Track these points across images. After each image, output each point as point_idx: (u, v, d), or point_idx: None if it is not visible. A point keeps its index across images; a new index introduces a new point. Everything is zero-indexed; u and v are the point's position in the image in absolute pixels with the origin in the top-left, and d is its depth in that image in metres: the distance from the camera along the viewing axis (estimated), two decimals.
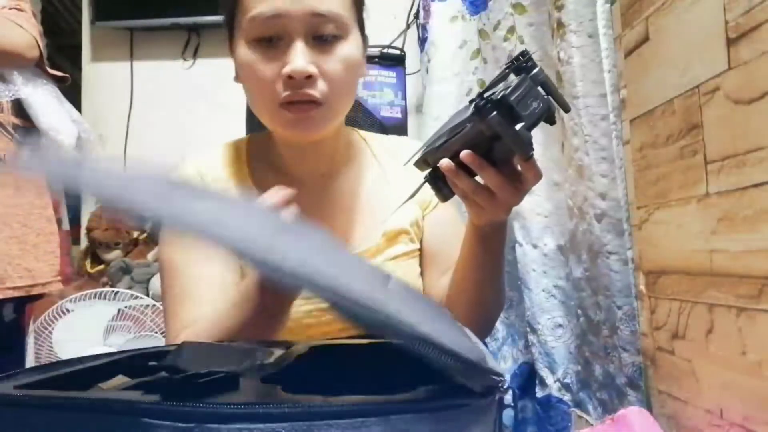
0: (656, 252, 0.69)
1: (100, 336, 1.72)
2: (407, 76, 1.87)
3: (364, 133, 0.98)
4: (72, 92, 1.64)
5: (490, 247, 0.75)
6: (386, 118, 1.75)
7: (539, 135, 1.14)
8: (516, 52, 1.19)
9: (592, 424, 0.91)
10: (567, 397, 1.06)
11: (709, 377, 0.57)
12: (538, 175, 0.68)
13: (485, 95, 0.64)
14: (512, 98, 0.62)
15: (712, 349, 0.56)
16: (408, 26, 2.04)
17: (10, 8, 1.39)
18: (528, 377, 1.19)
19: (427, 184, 0.72)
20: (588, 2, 0.93)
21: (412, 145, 0.98)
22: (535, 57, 0.68)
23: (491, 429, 0.35)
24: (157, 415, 0.33)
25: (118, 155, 2.29)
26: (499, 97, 0.62)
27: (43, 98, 1.42)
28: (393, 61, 1.84)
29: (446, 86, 1.47)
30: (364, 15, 0.86)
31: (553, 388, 1.08)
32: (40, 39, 1.43)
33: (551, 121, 0.67)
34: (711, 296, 0.56)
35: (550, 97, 0.66)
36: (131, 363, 0.53)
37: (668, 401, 0.69)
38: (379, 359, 0.57)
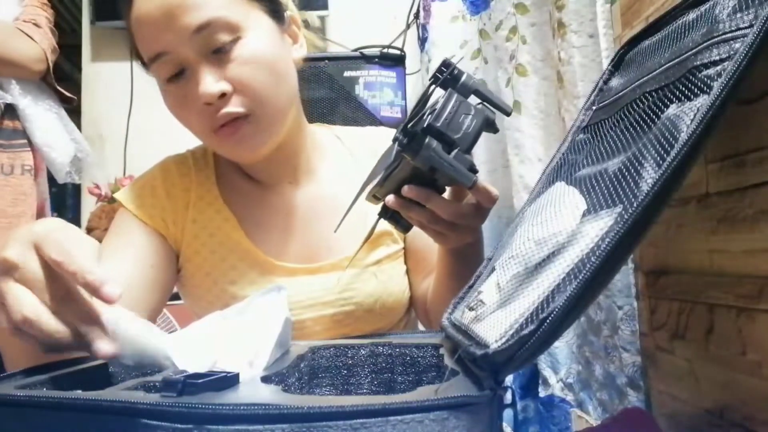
0: (656, 252, 0.69)
1: None
2: (407, 76, 1.87)
3: (338, 129, 0.93)
4: (72, 92, 1.64)
5: (467, 261, 0.70)
6: (386, 118, 1.75)
7: (540, 133, 1.14)
8: (518, 53, 1.19)
9: (591, 424, 0.91)
10: (570, 397, 1.06)
11: (709, 377, 0.57)
12: (491, 198, 0.62)
13: (409, 126, 0.56)
14: (440, 123, 0.55)
15: (712, 349, 0.56)
16: (408, 26, 2.04)
17: (25, 20, 1.37)
18: (530, 377, 1.19)
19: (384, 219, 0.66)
20: (588, 2, 0.93)
21: (390, 135, 0.93)
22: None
23: (491, 429, 0.35)
24: (156, 415, 0.33)
25: (117, 155, 2.29)
26: (424, 126, 0.55)
27: (42, 113, 1.39)
28: (393, 61, 1.84)
29: None
30: None
31: (556, 388, 1.08)
32: (51, 54, 1.41)
33: (492, 130, 0.59)
34: (711, 296, 0.55)
35: (484, 104, 0.59)
36: None
37: (668, 401, 0.69)
38: (379, 359, 0.57)
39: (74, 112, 2.05)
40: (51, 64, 1.41)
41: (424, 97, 0.58)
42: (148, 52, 0.71)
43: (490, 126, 0.58)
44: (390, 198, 0.62)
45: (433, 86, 0.58)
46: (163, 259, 0.80)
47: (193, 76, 0.70)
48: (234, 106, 0.70)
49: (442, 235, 0.66)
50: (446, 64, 0.58)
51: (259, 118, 0.72)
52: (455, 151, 0.55)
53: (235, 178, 0.84)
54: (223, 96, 0.69)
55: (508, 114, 0.61)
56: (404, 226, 0.66)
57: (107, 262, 0.75)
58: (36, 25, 1.39)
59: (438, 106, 0.56)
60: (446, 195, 0.64)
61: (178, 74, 0.71)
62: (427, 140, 0.55)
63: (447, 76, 0.58)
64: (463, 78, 0.58)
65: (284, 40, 0.77)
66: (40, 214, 1.45)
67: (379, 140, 0.89)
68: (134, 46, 0.75)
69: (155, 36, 0.69)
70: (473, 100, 0.59)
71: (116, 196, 0.83)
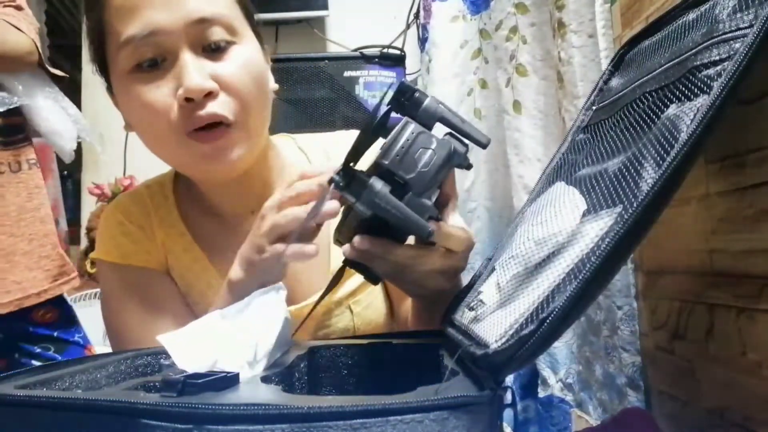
0: (656, 252, 0.69)
1: (100, 336, 1.72)
2: (407, 76, 1.87)
3: (301, 139, 0.83)
4: (72, 92, 1.63)
5: (444, 306, 0.59)
6: None
7: (540, 133, 1.14)
8: (519, 52, 1.19)
9: (592, 425, 0.91)
10: (569, 397, 1.06)
11: (709, 377, 0.57)
12: (460, 242, 0.54)
13: (351, 163, 0.47)
14: (388, 161, 0.45)
15: (712, 349, 0.56)
16: (408, 26, 2.04)
17: (5, 5, 1.33)
18: (530, 377, 1.19)
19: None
20: (588, 2, 0.93)
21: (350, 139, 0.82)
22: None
23: (491, 429, 0.35)
24: (156, 415, 0.33)
25: (117, 155, 2.29)
26: (372, 164, 0.46)
27: (42, 102, 1.38)
28: (393, 61, 1.84)
29: (447, 86, 1.47)
30: (256, 19, 0.70)
31: (555, 388, 1.08)
32: (38, 39, 1.38)
33: (464, 166, 0.50)
34: (711, 296, 0.56)
35: (450, 135, 0.49)
36: (131, 363, 0.53)
37: (668, 401, 0.69)
38: (379, 359, 0.57)
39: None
40: (39, 49, 1.38)
41: (373, 125, 0.48)
42: (126, 32, 0.62)
43: (459, 161, 0.49)
44: (346, 249, 0.52)
45: (386, 111, 0.48)
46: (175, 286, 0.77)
47: (176, 68, 0.62)
48: (220, 109, 0.62)
49: (414, 285, 0.58)
50: (403, 88, 0.49)
51: (242, 129, 0.65)
52: (408, 194, 0.46)
53: (197, 213, 0.77)
54: (209, 95, 0.62)
55: (484, 146, 0.50)
56: (373, 277, 0.55)
57: (154, 326, 0.69)
58: (17, 7, 1.35)
59: (388, 140, 0.47)
60: (412, 239, 0.54)
61: (154, 63, 0.63)
62: (371, 182, 0.45)
63: (405, 101, 0.48)
64: (426, 103, 0.48)
65: (267, 63, 0.72)
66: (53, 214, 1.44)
67: (335, 145, 0.80)
68: (98, 35, 0.67)
69: (148, 13, 0.61)
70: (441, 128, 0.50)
71: (94, 256, 0.77)
